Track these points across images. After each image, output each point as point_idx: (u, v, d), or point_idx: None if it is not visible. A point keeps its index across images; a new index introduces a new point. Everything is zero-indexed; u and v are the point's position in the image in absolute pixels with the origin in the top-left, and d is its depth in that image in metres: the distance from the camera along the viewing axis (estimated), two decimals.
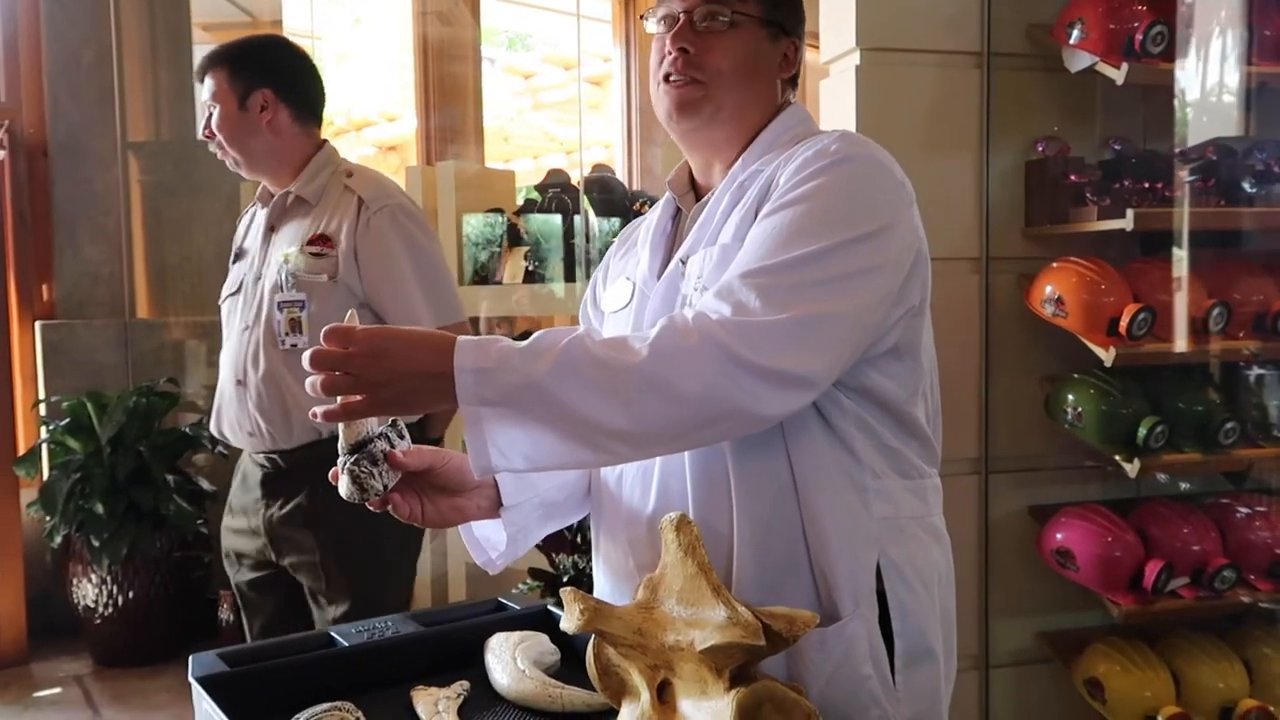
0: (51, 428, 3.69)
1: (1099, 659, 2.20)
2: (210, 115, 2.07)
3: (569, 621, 0.99)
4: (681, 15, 1.16)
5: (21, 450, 3.82)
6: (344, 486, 1.09)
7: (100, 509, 3.47)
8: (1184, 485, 2.37)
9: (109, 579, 3.58)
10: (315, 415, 1.00)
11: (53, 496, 3.53)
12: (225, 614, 3.59)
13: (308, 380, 0.97)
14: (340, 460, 1.09)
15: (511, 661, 1.19)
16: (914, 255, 1.08)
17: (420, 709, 1.11)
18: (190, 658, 1.14)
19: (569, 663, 1.21)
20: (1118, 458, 2.12)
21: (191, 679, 1.09)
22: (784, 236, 1.02)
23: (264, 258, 2.10)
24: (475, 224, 3.45)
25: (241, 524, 2.15)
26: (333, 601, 2.05)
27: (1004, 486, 2.35)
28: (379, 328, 1.00)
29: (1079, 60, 2.16)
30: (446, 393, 0.96)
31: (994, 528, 2.34)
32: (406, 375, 0.97)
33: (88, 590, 3.61)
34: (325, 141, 2.16)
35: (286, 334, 2.00)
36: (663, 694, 0.97)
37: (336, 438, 1.68)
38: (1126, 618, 2.11)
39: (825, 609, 1.08)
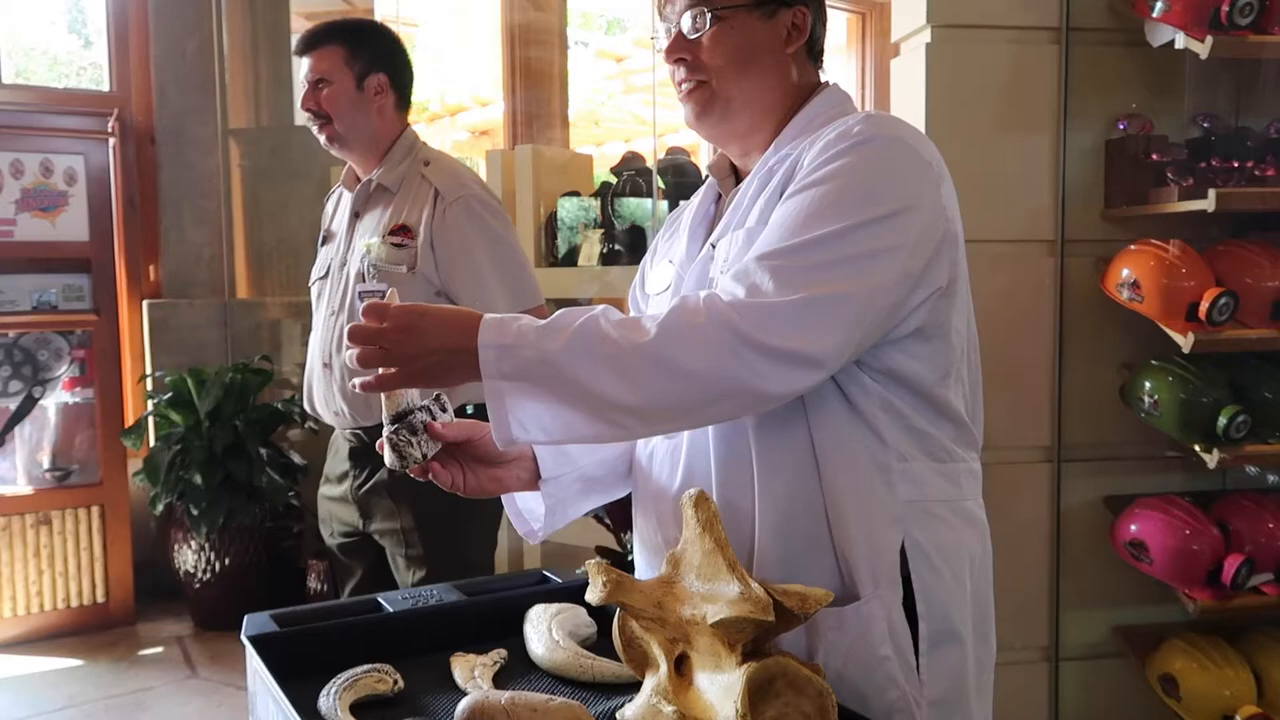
0: (156, 401, 3.90)
1: (1175, 655, 2.14)
2: (320, 88, 2.09)
3: (593, 592, 1.02)
4: (674, 28, 1.17)
5: (129, 422, 4.05)
6: (387, 454, 1.14)
7: (199, 479, 3.65)
8: (1271, 478, 2.27)
9: (207, 546, 3.77)
10: (354, 386, 1.05)
11: (156, 467, 3.73)
12: (314, 582, 3.74)
13: (346, 353, 1.02)
14: (384, 430, 1.14)
15: (547, 632, 1.22)
16: (940, 236, 1.06)
17: (457, 675, 1.16)
18: (245, 617, 1.21)
19: (605, 635, 1.24)
20: (1197, 448, 2.05)
21: (243, 638, 1.16)
22: (802, 219, 1.02)
23: (349, 244, 2.15)
24: (570, 207, 3.50)
25: (335, 492, 2.26)
26: (411, 566, 2.13)
27: (1078, 475, 2.28)
28: (412, 305, 1.04)
29: (1161, 33, 2.08)
30: (471, 367, 1.00)
31: (1066, 518, 2.28)
32: (435, 350, 1.01)
33: (188, 556, 3.81)
34: (408, 126, 2.19)
35: None
36: (681, 667, 0.99)
37: None
38: (1203, 613, 2.03)
39: (846, 589, 1.08)
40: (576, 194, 3.56)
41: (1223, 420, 2.02)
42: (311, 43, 2.11)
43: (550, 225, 3.56)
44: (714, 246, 1.16)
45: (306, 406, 2.27)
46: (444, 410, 1.19)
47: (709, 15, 1.14)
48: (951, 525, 1.12)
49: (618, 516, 2.79)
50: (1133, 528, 2.14)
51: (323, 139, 2.14)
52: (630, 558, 2.70)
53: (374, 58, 2.11)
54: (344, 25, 2.15)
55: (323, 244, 2.27)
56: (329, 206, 2.32)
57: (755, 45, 1.16)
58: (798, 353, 0.97)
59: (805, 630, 1.06)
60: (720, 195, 1.27)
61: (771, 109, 1.18)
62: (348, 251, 2.15)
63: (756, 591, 0.91)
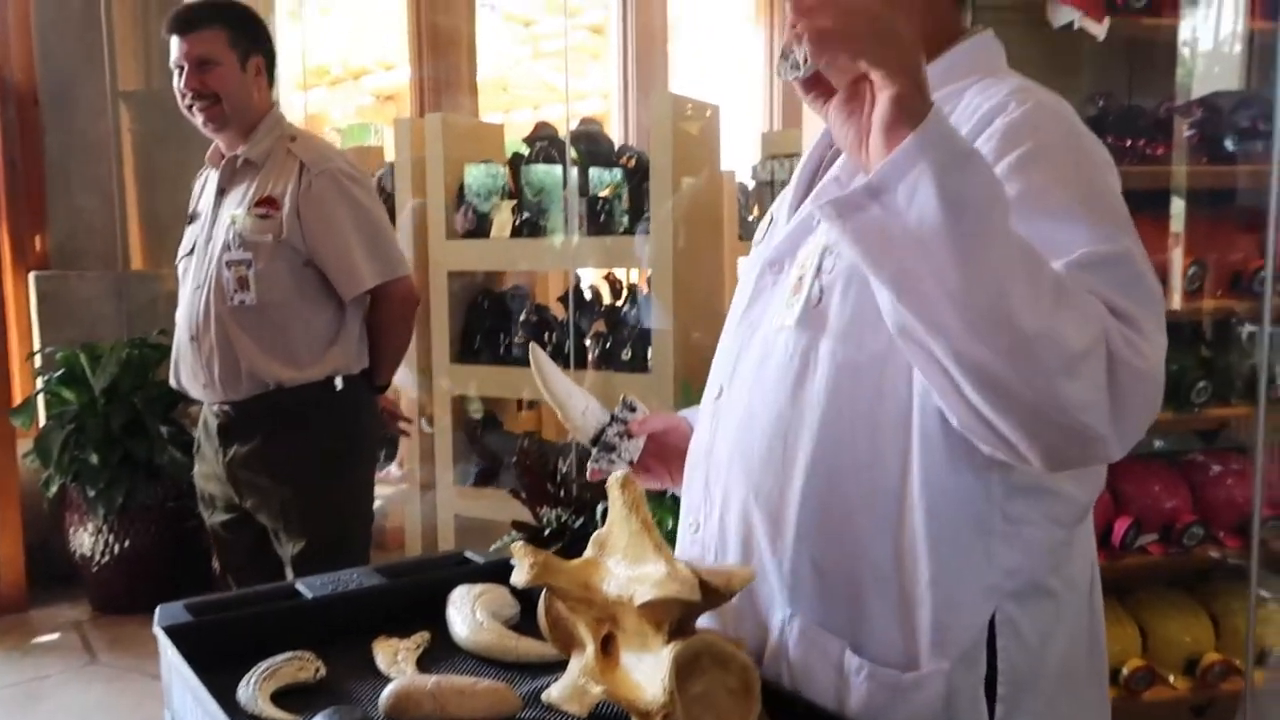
0: (46, 379, 3.73)
1: None
2: (206, 69, 2.12)
3: (519, 575, 1.02)
4: None
5: (17, 401, 3.86)
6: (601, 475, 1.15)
7: (95, 459, 3.52)
8: (1158, 443, 2.39)
9: (105, 528, 3.64)
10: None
11: (48, 447, 3.58)
12: (217, 563, 3.64)
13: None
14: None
15: (471, 614, 1.22)
16: None
17: (380, 659, 1.15)
18: (157, 608, 1.17)
19: (529, 615, 1.24)
20: None
21: (157, 629, 1.13)
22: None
23: (214, 219, 2.20)
24: (477, 174, 3.46)
25: (208, 470, 2.30)
26: (290, 539, 2.18)
27: None
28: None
29: (1062, 15, 2.14)
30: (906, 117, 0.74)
31: None
32: (903, 46, 0.76)
33: (84, 539, 3.67)
34: (274, 103, 2.26)
35: (235, 291, 2.11)
36: (607, 647, 1.00)
37: (282, 389, 1.79)
38: None
39: (906, 649, 0.94)
40: (489, 161, 3.51)
41: None
42: (190, 23, 2.13)
43: (460, 195, 3.51)
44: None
45: (173, 382, 2.31)
46: (632, 410, 1.20)
47: None
48: (1060, 599, 0.96)
49: (533, 491, 2.79)
50: None
51: (201, 119, 2.16)
52: (547, 531, 2.71)
53: (253, 41, 2.18)
54: (222, 6, 2.20)
55: (189, 223, 2.30)
56: (196, 186, 2.35)
57: None
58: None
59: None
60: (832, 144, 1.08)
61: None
62: (213, 227, 2.19)
63: (682, 572, 0.92)
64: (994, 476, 0.90)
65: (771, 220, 1.13)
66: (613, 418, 1.17)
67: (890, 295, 0.77)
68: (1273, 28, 2.08)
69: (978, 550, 0.92)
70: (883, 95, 0.76)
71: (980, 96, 0.94)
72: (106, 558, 3.67)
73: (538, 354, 1.16)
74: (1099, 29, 2.06)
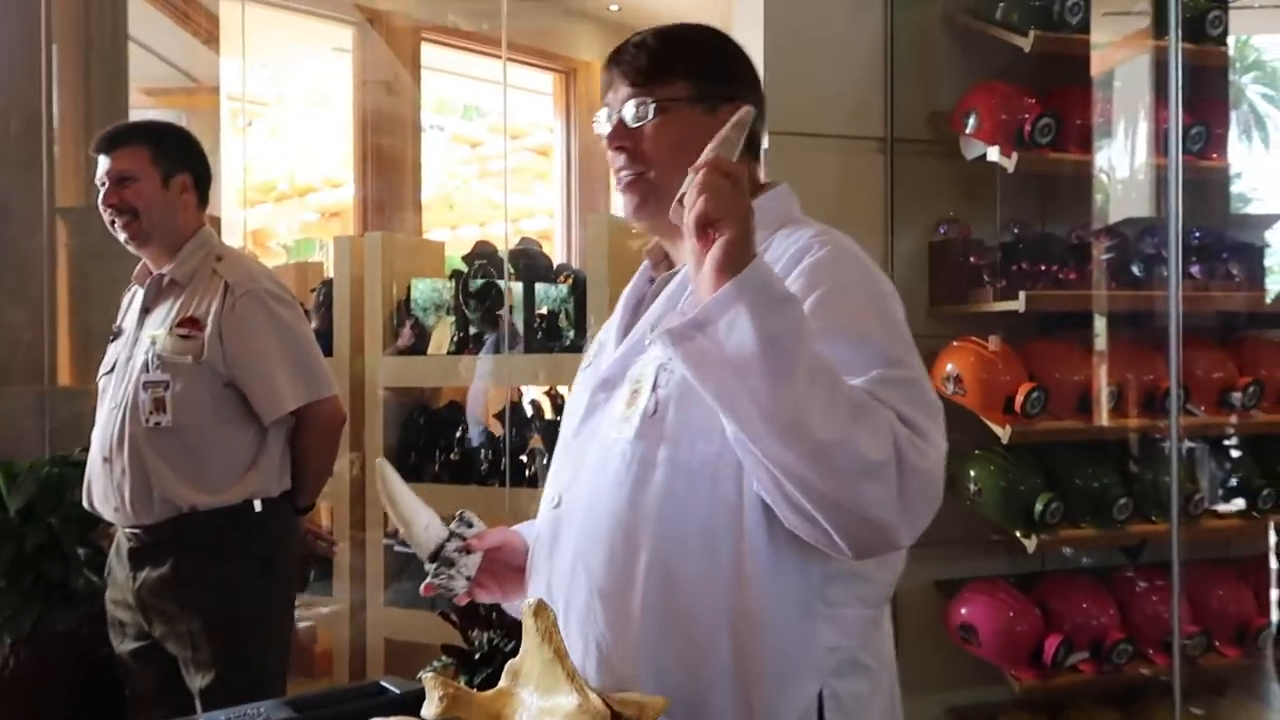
0: None
1: None
2: (125, 184, 2.12)
3: (429, 707, 0.99)
4: (616, 115, 1.16)
5: None
6: (434, 591, 1.14)
7: (3, 583, 3.35)
8: (1085, 559, 2.42)
9: (10, 656, 3.44)
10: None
11: None
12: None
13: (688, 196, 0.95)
14: (427, 571, 1.17)
15: None
16: None
17: None
18: None
19: None
20: (1017, 533, 2.17)
21: None
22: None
23: (136, 339, 2.17)
24: (423, 288, 3.48)
25: (118, 595, 2.22)
26: (199, 670, 2.09)
27: (910, 561, 2.36)
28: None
29: (974, 148, 2.26)
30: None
31: (900, 603, 2.36)
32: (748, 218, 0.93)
33: None
34: (204, 224, 2.25)
35: (151, 413, 2.07)
36: None
37: (196, 513, 1.75)
38: (1027, 692, 2.13)
39: None
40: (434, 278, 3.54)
41: (1039, 506, 2.15)
42: (114, 142, 2.16)
43: (401, 310, 3.51)
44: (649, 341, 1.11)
45: (86, 504, 2.26)
46: (470, 525, 1.20)
47: (651, 106, 1.13)
48: (874, 674, 1.09)
49: (464, 614, 2.72)
50: (963, 611, 2.24)
51: (124, 236, 2.16)
52: (478, 655, 2.63)
53: (179, 159, 2.18)
54: (147, 126, 2.25)
55: (112, 340, 2.28)
56: (124, 302, 2.33)
57: (696, 139, 1.07)
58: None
59: None
60: (653, 279, 1.24)
61: None
62: (134, 347, 2.17)
63: (595, 704, 0.91)
64: (813, 566, 1.03)
65: (600, 345, 1.24)
66: (451, 533, 1.18)
67: (715, 407, 0.94)
68: (1166, 162, 2.21)
69: (804, 633, 1.04)
70: (719, 240, 0.93)
71: (788, 240, 1.12)
72: (6, 689, 3.47)
73: (385, 469, 1.17)
74: (1009, 162, 2.18)
